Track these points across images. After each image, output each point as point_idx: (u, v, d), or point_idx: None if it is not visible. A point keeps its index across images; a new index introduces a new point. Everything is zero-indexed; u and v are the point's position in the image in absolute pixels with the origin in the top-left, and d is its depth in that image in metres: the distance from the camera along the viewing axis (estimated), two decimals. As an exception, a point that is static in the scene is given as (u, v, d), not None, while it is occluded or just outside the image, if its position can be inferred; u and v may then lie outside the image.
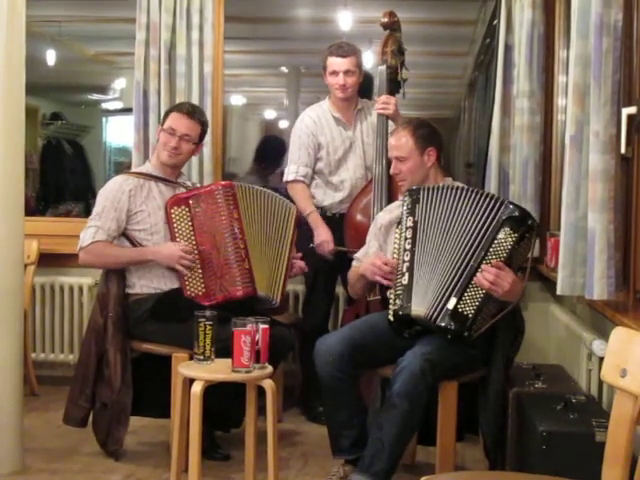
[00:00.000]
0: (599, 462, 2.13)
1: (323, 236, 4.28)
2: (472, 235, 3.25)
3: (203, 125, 3.94)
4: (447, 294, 3.22)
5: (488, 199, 3.29)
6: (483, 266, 3.18)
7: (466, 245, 3.24)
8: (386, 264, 3.38)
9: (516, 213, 3.23)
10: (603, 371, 2.19)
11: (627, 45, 2.92)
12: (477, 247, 3.22)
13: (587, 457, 2.64)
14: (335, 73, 4.29)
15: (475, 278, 3.18)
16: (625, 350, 2.12)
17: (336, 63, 4.28)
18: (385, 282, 3.41)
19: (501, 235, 3.20)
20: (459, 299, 3.19)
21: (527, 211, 3.35)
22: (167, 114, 3.95)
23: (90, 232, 3.76)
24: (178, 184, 3.92)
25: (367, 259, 3.55)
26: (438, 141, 3.61)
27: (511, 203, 3.31)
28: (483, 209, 3.27)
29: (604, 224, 2.88)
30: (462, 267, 3.22)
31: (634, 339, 2.13)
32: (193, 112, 3.89)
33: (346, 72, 4.28)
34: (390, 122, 4.18)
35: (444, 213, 3.33)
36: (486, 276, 3.16)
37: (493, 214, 3.24)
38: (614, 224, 2.90)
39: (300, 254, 4.05)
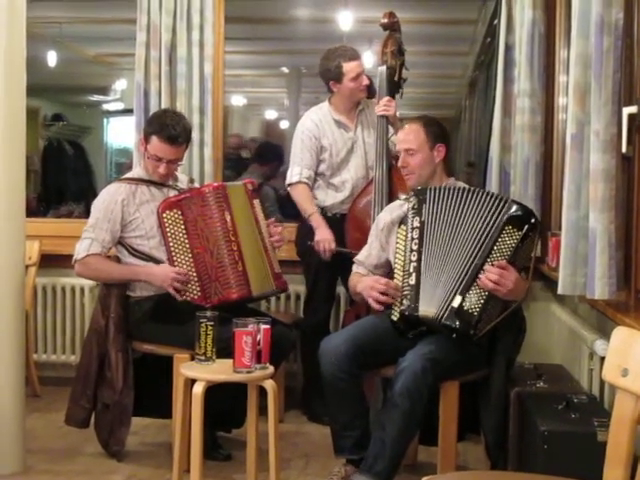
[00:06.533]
0: (601, 462, 2.13)
1: (324, 235, 4.27)
2: (477, 235, 3.24)
3: (188, 141, 3.84)
4: (453, 294, 3.21)
5: (493, 199, 3.28)
6: (486, 267, 3.17)
7: (471, 245, 3.24)
8: (386, 286, 3.35)
9: (519, 212, 3.23)
10: (604, 371, 2.19)
11: (628, 44, 2.92)
12: (481, 247, 3.22)
13: (589, 457, 2.63)
14: (358, 75, 4.30)
15: (478, 279, 3.18)
16: (626, 350, 2.12)
17: (357, 65, 4.29)
18: (377, 306, 3.38)
19: (504, 234, 3.20)
20: (464, 297, 3.18)
21: (530, 209, 3.35)
22: (149, 134, 3.74)
23: (85, 244, 3.74)
24: (170, 187, 3.87)
25: (366, 279, 3.50)
26: (447, 139, 3.58)
27: (515, 202, 3.31)
28: (488, 209, 3.26)
29: (605, 224, 2.88)
30: (467, 267, 3.22)
31: (635, 339, 2.12)
32: (177, 137, 3.71)
33: (363, 71, 4.32)
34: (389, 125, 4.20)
35: (451, 214, 3.31)
36: (489, 276, 3.15)
37: (497, 213, 3.24)
38: (615, 224, 2.90)
39: (273, 219, 4.00)
